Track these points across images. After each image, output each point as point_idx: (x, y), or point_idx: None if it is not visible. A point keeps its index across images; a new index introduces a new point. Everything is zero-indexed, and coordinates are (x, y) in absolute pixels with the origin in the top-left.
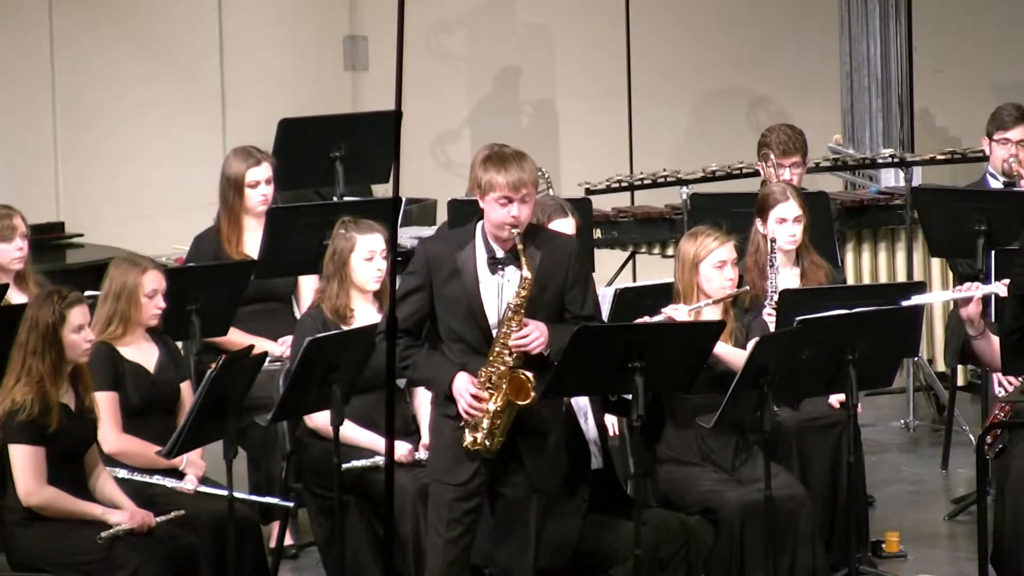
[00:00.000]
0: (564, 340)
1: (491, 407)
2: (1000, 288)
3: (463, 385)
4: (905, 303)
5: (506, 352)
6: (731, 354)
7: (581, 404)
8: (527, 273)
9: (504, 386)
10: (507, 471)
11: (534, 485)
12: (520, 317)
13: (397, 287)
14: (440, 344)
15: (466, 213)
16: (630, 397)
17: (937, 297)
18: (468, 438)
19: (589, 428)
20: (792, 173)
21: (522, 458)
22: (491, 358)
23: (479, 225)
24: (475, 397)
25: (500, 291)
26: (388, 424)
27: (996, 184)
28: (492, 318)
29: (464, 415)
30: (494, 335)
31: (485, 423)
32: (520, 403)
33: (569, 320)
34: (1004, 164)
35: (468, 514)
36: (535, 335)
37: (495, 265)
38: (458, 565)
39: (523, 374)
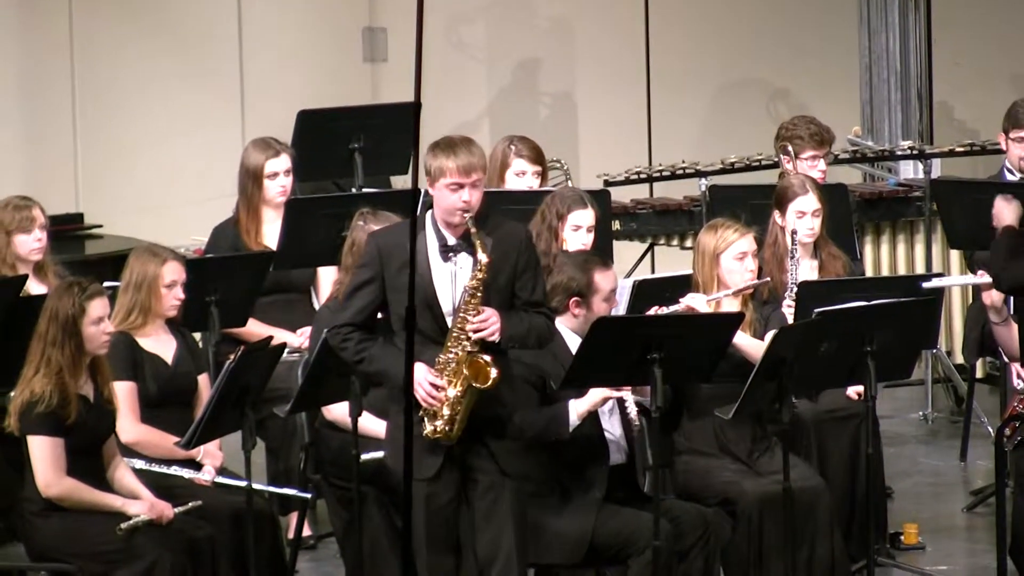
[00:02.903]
0: (517, 327)
1: (451, 393)
2: None
3: (421, 375)
4: (926, 284)
5: (464, 337)
6: (750, 344)
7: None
8: (483, 256)
9: (464, 371)
10: (476, 458)
11: (504, 470)
12: (477, 301)
13: (350, 281)
14: (394, 337)
15: (484, 204)
16: (647, 403)
17: (958, 280)
18: (428, 427)
19: (613, 426)
20: (824, 165)
21: (487, 443)
22: (448, 344)
23: (428, 214)
24: (433, 385)
25: (453, 279)
26: (407, 416)
27: (1013, 178)
28: (446, 306)
29: (423, 404)
30: (448, 323)
31: (446, 411)
32: (480, 387)
33: (519, 306)
34: (1021, 161)
35: (446, 507)
36: (492, 319)
37: (447, 253)
38: (443, 557)
39: (481, 358)
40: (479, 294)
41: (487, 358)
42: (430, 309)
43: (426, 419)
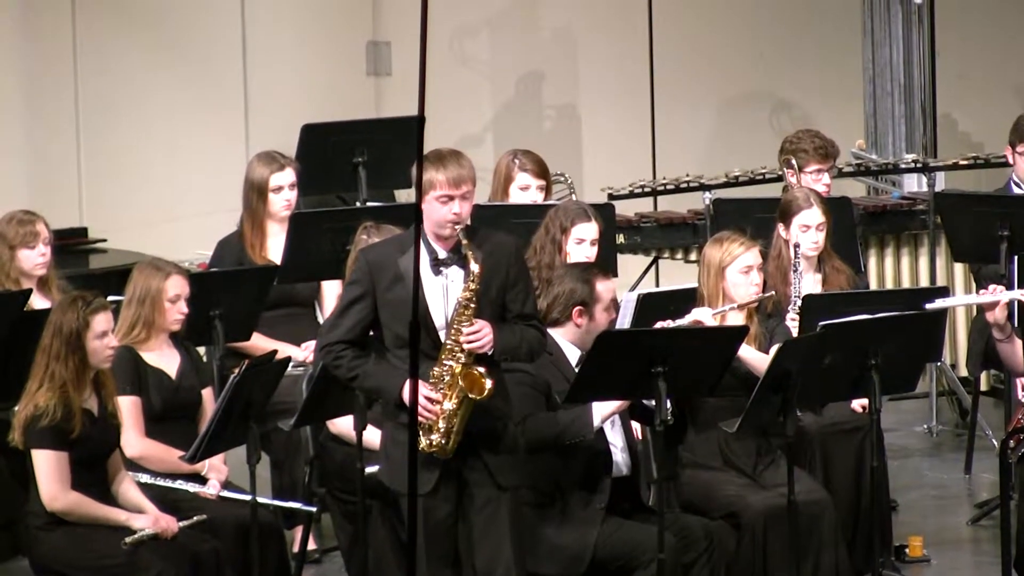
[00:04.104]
0: (509, 339)
1: (448, 406)
2: None
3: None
4: (929, 306)
5: (458, 349)
6: (755, 358)
7: None
8: (475, 267)
9: (460, 383)
10: (472, 472)
11: (499, 483)
12: (470, 312)
13: (341, 299)
14: (386, 353)
15: (489, 218)
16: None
17: (961, 301)
18: (423, 441)
19: (616, 437)
20: (828, 178)
21: (483, 456)
22: (442, 356)
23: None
24: (428, 399)
25: (445, 292)
26: (411, 428)
27: (1020, 192)
28: (438, 320)
29: (419, 417)
30: (441, 337)
31: (441, 424)
32: (476, 398)
33: (510, 319)
34: None
35: (444, 521)
36: (485, 331)
37: (438, 266)
38: (442, 571)
39: (476, 370)
40: (472, 305)
41: (481, 369)
42: (423, 324)
43: (421, 433)
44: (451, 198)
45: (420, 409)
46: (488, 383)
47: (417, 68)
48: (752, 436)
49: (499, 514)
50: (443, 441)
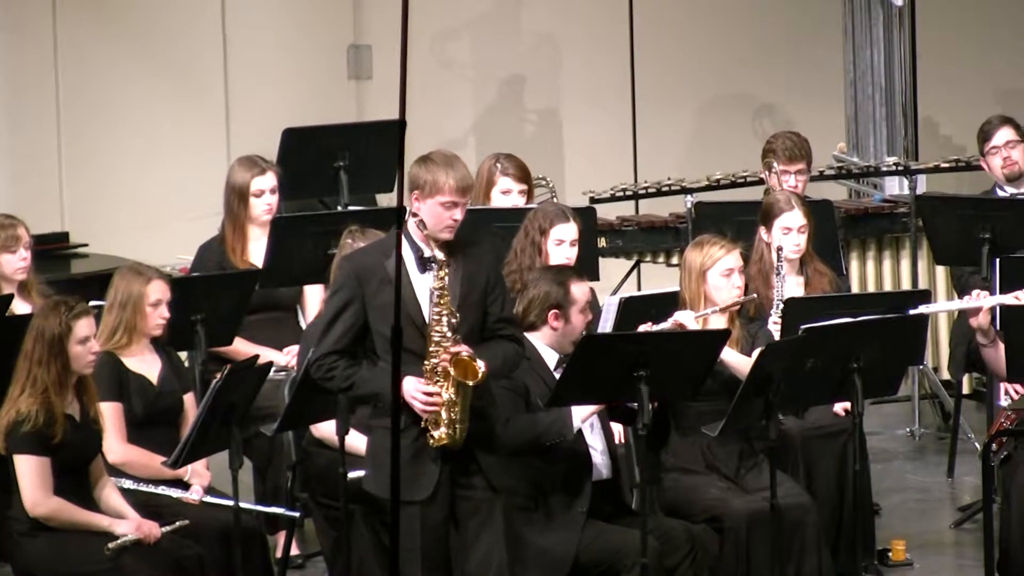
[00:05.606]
0: (491, 361)
1: (445, 396)
2: (1007, 299)
3: (412, 387)
4: (913, 312)
5: (444, 340)
6: (737, 361)
7: None
8: (439, 254)
9: (452, 371)
10: (466, 475)
11: (493, 485)
12: (446, 300)
13: (324, 308)
14: (379, 361)
15: (471, 222)
16: (635, 406)
17: (944, 307)
18: (433, 436)
19: (596, 440)
20: (797, 180)
21: (477, 458)
22: (430, 349)
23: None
24: (427, 393)
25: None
26: (394, 434)
27: (1004, 194)
28: (429, 318)
29: (422, 414)
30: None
31: (444, 415)
32: (471, 383)
33: (491, 323)
34: (1004, 172)
35: (440, 526)
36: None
37: (424, 264)
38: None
39: (465, 354)
40: (446, 294)
41: (469, 351)
42: (413, 323)
43: (430, 427)
44: (455, 204)
45: (421, 404)
46: (480, 366)
47: (398, 72)
48: (735, 440)
49: (493, 516)
50: (451, 432)
